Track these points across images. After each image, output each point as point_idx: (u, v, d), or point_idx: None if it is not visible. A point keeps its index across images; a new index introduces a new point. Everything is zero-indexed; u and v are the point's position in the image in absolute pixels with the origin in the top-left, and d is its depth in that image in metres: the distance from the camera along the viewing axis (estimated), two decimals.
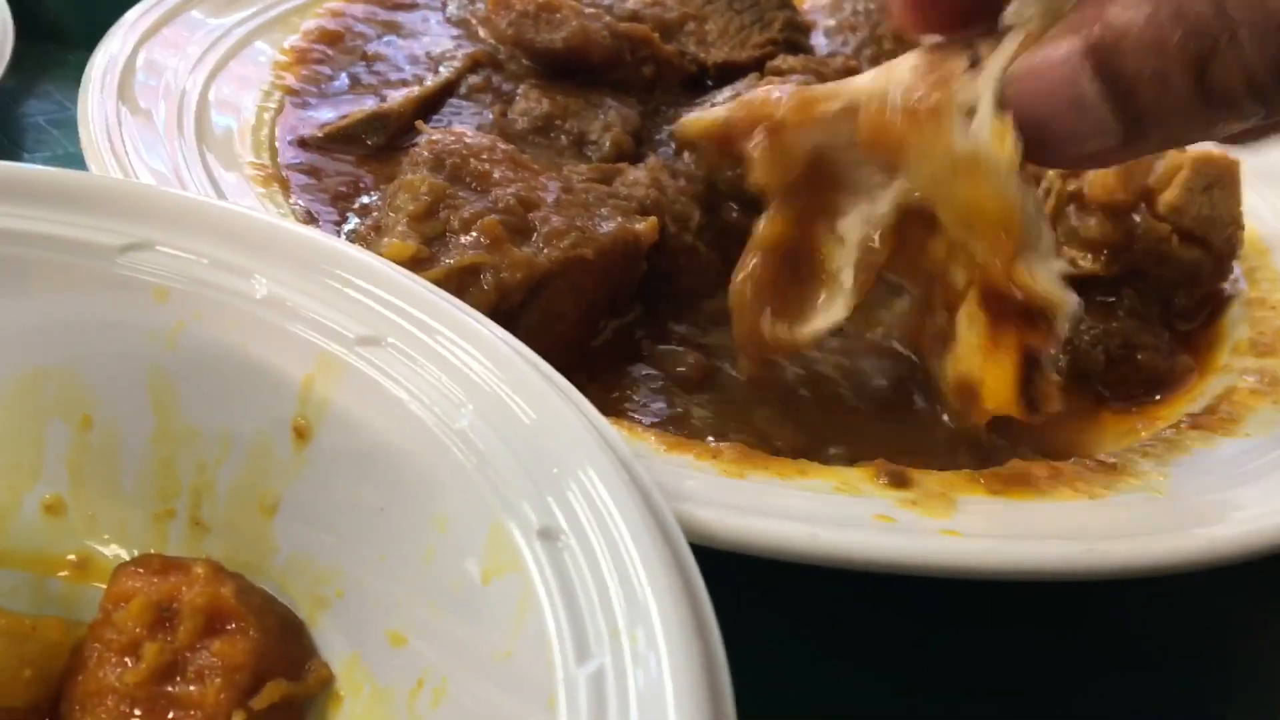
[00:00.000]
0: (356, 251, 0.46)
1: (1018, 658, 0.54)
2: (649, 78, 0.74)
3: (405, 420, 0.41)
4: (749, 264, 0.54)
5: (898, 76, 0.48)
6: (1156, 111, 0.42)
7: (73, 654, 0.41)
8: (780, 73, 0.71)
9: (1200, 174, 0.65)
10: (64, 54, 0.83)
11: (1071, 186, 0.65)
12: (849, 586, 0.48)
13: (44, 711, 0.40)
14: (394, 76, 0.74)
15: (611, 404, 0.56)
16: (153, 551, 0.44)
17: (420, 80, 0.73)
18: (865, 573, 0.45)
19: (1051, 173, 0.65)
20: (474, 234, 0.55)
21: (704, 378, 0.59)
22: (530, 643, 0.35)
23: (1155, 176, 0.65)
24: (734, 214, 0.66)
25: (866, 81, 0.50)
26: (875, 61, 0.81)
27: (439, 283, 0.48)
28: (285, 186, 0.62)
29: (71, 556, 0.45)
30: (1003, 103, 0.45)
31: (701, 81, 0.77)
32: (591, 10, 0.74)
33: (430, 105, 0.71)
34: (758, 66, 0.74)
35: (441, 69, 0.74)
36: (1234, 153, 0.65)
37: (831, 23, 0.86)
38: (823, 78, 0.70)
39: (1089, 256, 0.64)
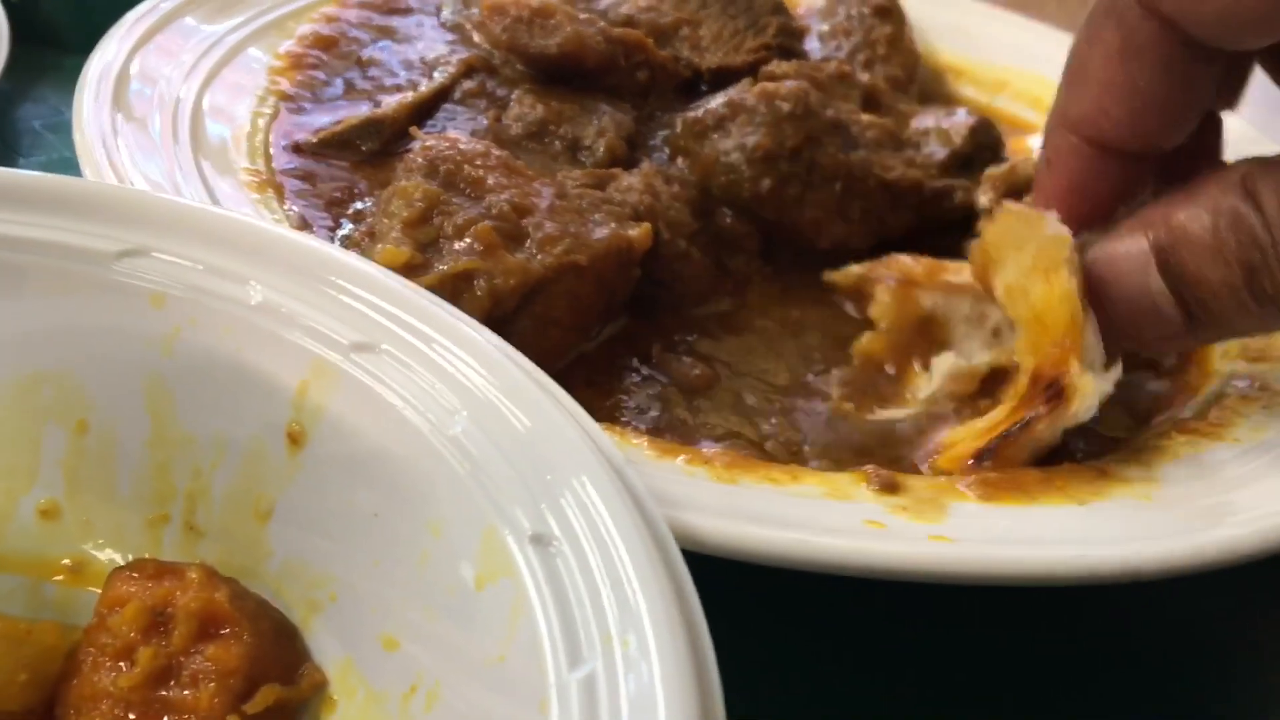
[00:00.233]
0: (351, 258, 0.46)
1: (1011, 661, 0.54)
2: (643, 83, 0.74)
3: (399, 426, 0.41)
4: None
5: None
6: (1215, 306, 0.48)
7: (67, 658, 0.41)
8: (774, 78, 0.71)
9: None
10: (60, 58, 0.83)
11: None
12: (840, 591, 0.48)
13: (39, 715, 0.40)
14: (389, 82, 0.74)
15: (605, 409, 0.56)
16: (147, 556, 0.44)
17: (415, 85, 0.73)
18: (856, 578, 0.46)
19: None
20: (468, 240, 0.55)
21: (698, 383, 0.59)
22: (523, 647, 0.35)
23: None
24: (728, 220, 0.67)
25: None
26: (869, 66, 0.82)
27: (433, 289, 0.48)
28: (280, 192, 0.62)
29: (66, 561, 0.45)
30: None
31: (696, 87, 0.77)
32: (586, 16, 0.74)
33: (425, 111, 0.71)
34: (752, 71, 0.74)
35: (436, 74, 0.74)
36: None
37: (825, 28, 0.86)
38: (816, 82, 0.71)
39: None
